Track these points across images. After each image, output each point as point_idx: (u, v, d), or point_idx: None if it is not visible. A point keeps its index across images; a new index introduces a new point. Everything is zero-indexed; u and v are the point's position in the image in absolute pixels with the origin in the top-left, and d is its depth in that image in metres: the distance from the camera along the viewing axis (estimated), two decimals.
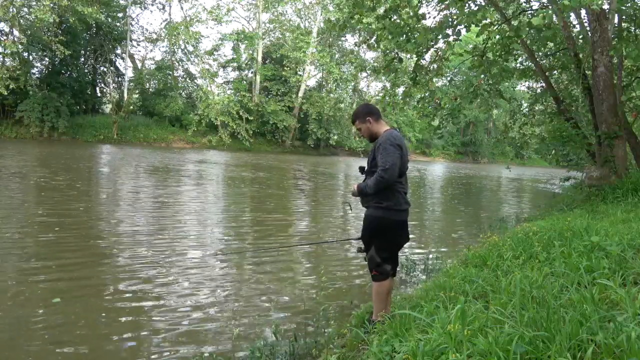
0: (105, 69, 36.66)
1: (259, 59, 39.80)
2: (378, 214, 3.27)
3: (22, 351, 3.28)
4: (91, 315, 3.94)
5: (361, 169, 3.47)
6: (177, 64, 39.14)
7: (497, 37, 11.18)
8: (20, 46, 27.39)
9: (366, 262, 3.43)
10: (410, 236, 3.56)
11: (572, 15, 10.55)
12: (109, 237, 6.66)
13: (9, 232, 6.46)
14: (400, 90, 13.82)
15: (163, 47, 42.95)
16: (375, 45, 11.17)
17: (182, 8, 37.60)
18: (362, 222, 3.45)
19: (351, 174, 21.76)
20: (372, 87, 47.08)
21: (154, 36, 38.97)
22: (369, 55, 41.63)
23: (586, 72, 10.37)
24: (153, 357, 3.35)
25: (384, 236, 3.31)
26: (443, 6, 10.37)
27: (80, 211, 8.39)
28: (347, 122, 38.33)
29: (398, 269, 3.66)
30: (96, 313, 3.98)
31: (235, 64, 42.40)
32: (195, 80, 39.72)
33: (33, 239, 6.25)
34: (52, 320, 3.79)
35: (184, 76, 40.00)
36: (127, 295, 4.42)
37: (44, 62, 32.30)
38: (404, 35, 10.49)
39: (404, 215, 3.36)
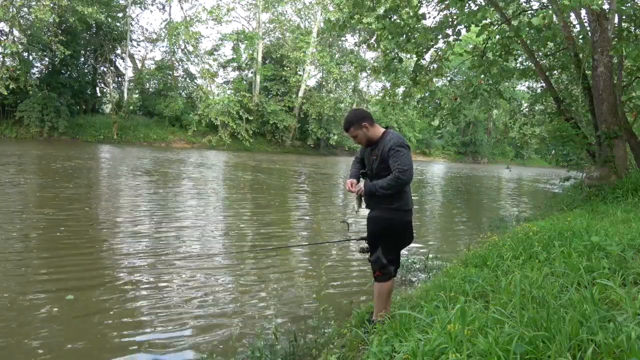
0: (105, 69, 36.65)
1: (259, 59, 39.79)
2: (387, 215, 3.25)
3: (42, 346, 3.29)
4: (96, 314, 3.95)
5: (363, 175, 3.45)
6: (177, 64, 39.17)
7: (497, 37, 11.18)
8: (20, 46, 27.38)
9: (369, 263, 3.41)
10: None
11: (572, 15, 10.55)
12: (111, 238, 6.66)
13: (13, 232, 6.46)
14: (400, 90, 13.85)
15: (163, 47, 43.21)
16: (375, 45, 11.17)
17: (182, 8, 37.39)
18: (363, 222, 3.43)
19: None
20: (372, 87, 47.16)
21: (154, 36, 39.06)
22: (369, 55, 41.65)
23: (586, 72, 10.37)
24: (153, 356, 3.36)
25: (392, 238, 3.29)
26: (443, 6, 10.38)
27: (84, 211, 8.40)
28: None
29: (398, 269, 3.66)
30: (100, 313, 3.99)
31: (235, 64, 42.42)
32: (195, 80, 39.73)
33: (38, 240, 6.25)
34: (66, 316, 3.84)
35: (184, 76, 40.01)
36: (129, 295, 4.43)
37: (44, 62, 32.33)
38: (404, 35, 10.49)
39: (410, 215, 3.36)
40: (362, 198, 3.37)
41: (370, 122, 3.30)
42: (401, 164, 3.09)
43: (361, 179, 3.48)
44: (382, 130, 3.32)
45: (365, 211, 3.45)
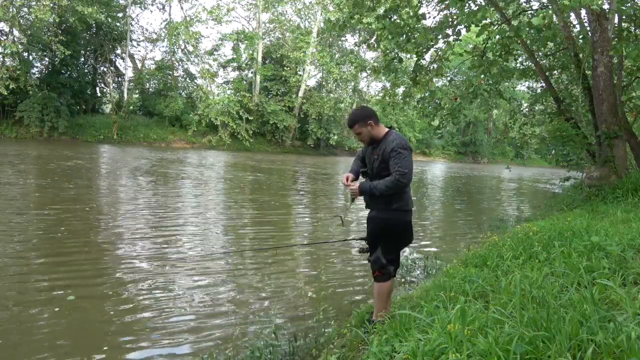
0: (105, 69, 36.61)
1: (259, 59, 39.77)
2: (386, 215, 3.26)
3: (44, 345, 3.30)
4: (97, 315, 3.95)
5: (363, 173, 3.45)
6: (177, 64, 39.13)
7: (497, 37, 11.18)
8: (20, 46, 27.36)
9: (368, 263, 3.42)
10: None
11: (572, 15, 10.55)
12: (112, 239, 6.66)
13: (14, 232, 6.46)
14: (400, 90, 13.85)
15: (163, 47, 43.20)
16: (375, 45, 11.17)
17: (182, 8, 37.34)
18: (363, 223, 3.44)
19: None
20: (372, 87, 47.12)
21: (154, 36, 39.01)
22: (369, 55, 41.63)
23: (586, 72, 10.37)
24: (154, 356, 3.36)
25: (392, 238, 3.29)
26: (443, 6, 10.39)
27: (85, 212, 8.40)
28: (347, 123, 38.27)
29: (398, 269, 3.65)
30: (100, 314, 3.99)
31: (235, 64, 42.39)
32: (195, 80, 39.70)
33: (38, 240, 6.25)
34: (67, 317, 3.85)
35: (184, 76, 39.98)
36: (130, 295, 4.43)
37: (44, 62, 32.28)
38: (404, 35, 10.50)
39: (410, 215, 3.36)
40: (354, 198, 3.40)
41: (376, 121, 3.30)
42: (401, 166, 3.09)
43: (360, 177, 3.49)
44: (386, 130, 3.32)
45: (365, 211, 3.45)
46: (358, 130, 3.30)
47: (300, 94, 39.86)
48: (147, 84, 39.70)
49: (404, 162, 3.10)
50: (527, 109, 17.21)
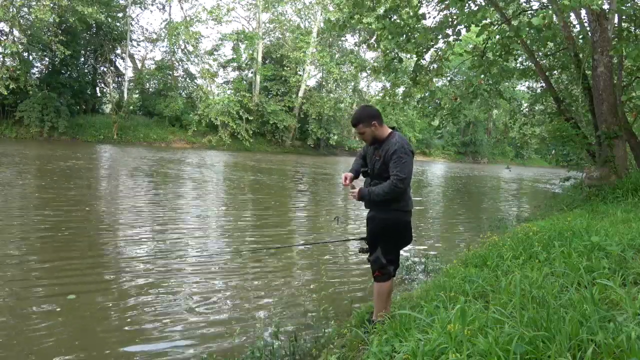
0: (105, 69, 36.62)
1: (259, 59, 39.77)
2: (386, 215, 3.26)
3: (44, 344, 3.29)
4: (97, 316, 3.95)
5: (364, 173, 3.44)
6: (177, 64, 39.13)
7: (497, 37, 11.18)
8: (20, 46, 27.36)
9: (368, 263, 3.42)
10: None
11: (572, 15, 10.55)
12: (112, 240, 6.67)
13: (14, 233, 6.46)
14: (400, 90, 13.86)
15: (163, 47, 43.15)
16: (375, 45, 11.17)
17: (182, 8, 37.35)
18: (363, 222, 3.44)
19: None
20: (372, 87, 47.11)
21: (154, 36, 39.02)
22: (369, 55, 41.62)
23: (586, 72, 10.38)
24: (153, 356, 3.36)
25: (392, 238, 3.30)
26: (443, 6, 10.39)
27: (85, 212, 8.40)
28: (347, 122, 38.38)
29: (398, 269, 3.65)
30: (101, 315, 3.99)
31: (235, 64, 42.38)
32: (195, 80, 39.71)
33: (38, 241, 6.25)
34: (67, 318, 3.84)
35: (184, 76, 39.98)
36: (130, 295, 4.43)
37: (44, 62, 32.30)
38: (404, 35, 10.50)
39: (409, 216, 3.37)
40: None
41: (380, 121, 3.28)
42: (400, 171, 3.08)
43: (361, 177, 3.49)
44: (389, 131, 3.31)
45: (365, 211, 3.45)
46: (362, 129, 3.29)
47: (300, 94, 39.85)
48: (147, 84, 39.71)
49: (403, 167, 3.09)
50: (527, 109, 17.22)
